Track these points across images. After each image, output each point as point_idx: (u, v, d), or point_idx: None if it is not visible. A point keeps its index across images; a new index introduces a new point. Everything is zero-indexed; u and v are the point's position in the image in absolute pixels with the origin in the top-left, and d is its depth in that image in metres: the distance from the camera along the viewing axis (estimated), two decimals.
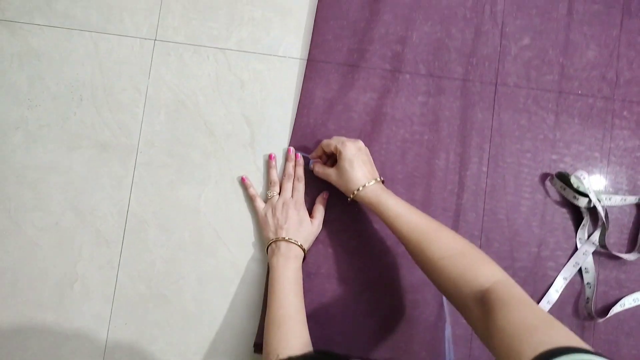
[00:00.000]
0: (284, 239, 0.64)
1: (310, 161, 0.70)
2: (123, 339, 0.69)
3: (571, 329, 0.68)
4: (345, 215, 0.71)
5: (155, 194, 0.71)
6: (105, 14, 0.74)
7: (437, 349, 0.70)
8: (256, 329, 0.69)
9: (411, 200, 0.71)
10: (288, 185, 0.69)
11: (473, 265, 0.52)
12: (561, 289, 0.70)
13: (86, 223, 0.71)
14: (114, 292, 0.70)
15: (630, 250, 0.72)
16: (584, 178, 0.69)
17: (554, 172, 0.72)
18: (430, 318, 0.70)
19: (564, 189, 0.71)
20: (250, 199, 0.70)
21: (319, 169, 0.67)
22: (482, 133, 0.73)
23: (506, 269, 0.69)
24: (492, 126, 0.74)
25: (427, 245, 0.55)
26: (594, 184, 0.72)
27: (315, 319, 0.68)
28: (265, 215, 0.67)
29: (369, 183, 0.62)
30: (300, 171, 0.70)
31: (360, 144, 0.65)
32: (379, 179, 0.63)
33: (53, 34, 0.73)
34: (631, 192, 0.72)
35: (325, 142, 0.66)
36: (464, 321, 0.68)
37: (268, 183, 0.70)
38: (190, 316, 0.70)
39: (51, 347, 0.69)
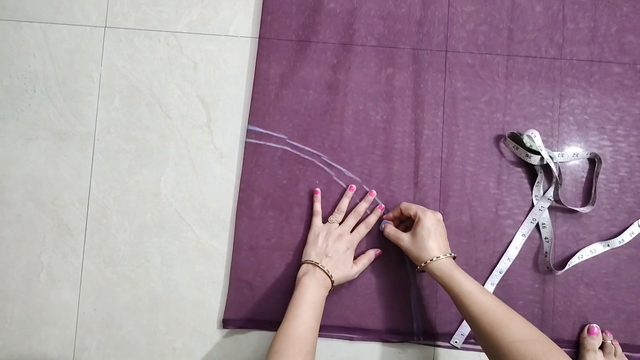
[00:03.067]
0: (322, 269, 0.64)
1: (383, 221, 0.71)
2: (93, 325, 0.70)
3: (533, 283, 0.71)
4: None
5: (115, 179, 0.72)
6: (54, 4, 0.74)
7: (405, 311, 0.71)
8: (223, 305, 0.70)
9: (370, 170, 0.73)
10: (352, 222, 0.70)
11: (547, 353, 0.52)
12: (520, 245, 0.72)
13: (48, 213, 0.71)
14: (81, 279, 0.71)
15: (584, 204, 0.74)
16: (535, 136, 0.71)
17: (506, 133, 0.73)
18: (396, 282, 0.72)
19: (517, 149, 0.73)
20: (313, 213, 0.71)
21: (391, 231, 0.68)
22: (435, 99, 0.74)
23: (466, 230, 0.72)
24: (444, 92, 0.75)
25: (500, 328, 0.55)
26: (547, 142, 0.74)
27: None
28: (318, 235, 0.68)
29: (443, 256, 0.62)
30: (372, 219, 0.70)
31: (440, 216, 0.66)
32: (451, 254, 0.63)
33: (2, 27, 0.73)
34: (583, 148, 0.74)
35: (405, 204, 0.67)
36: (430, 282, 0.71)
37: (337, 209, 0.70)
38: (158, 297, 0.71)
39: (21, 337, 0.70)
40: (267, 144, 0.73)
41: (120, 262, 0.71)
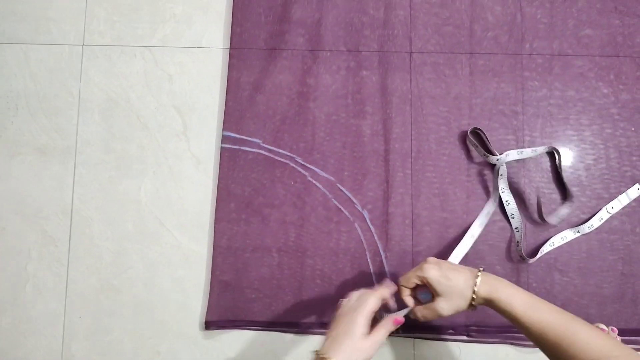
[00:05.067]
0: (317, 353, 0.51)
1: (404, 310, 0.60)
2: (79, 332, 0.72)
3: (507, 273, 0.73)
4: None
5: (97, 190, 0.74)
6: (33, 25, 0.77)
7: None
8: (205, 308, 0.72)
9: (341, 169, 0.75)
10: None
11: None
12: (477, 235, 0.73)
13: (32, 225, 0.74)
14: (66, 288, 0.73)
15: (563, 196, 0.76)
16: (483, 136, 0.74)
17: (469, 130, 0.76)
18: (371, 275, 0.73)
19: (477, 147, 0.76)
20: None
21: (421, 310, 0.57)
22: (403, 99, 0.77)
23: (439, 220, 0.74)
24: (411, 92, 0.78)
25: (566, 349, 0.49)
26: (514, 136, 0.77)
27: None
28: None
29: (477, 283, 0.54)
30: (401, 316, 0.58)
31: (433, 258, 0.58)
32: (479, 271, 0.56)
33: None
34: (548, 140, 0.77)
35: (402, 279, 0.59)
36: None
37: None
38: (142, 303, 0.73)
39: (9, 347, 0.71)
40: (242, 148, 0.75)
41: (104, 270, 0.73)
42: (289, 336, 0.72)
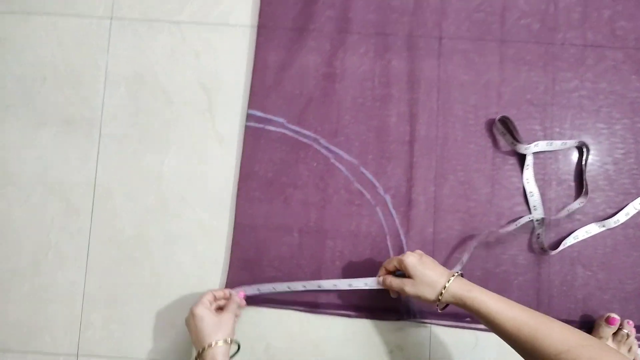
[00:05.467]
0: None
1: (377, 278, 0.67)
2: (98, 302, 0.73)
3: (529, 264, 0.72)
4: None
5: (120, 163, 0.75)
6: None
7: None
8: (224, 284, 0.73)
9: (365, 152, 0.75)
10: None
11: (598, 357, 0.48)
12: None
13: (56, 195, 0.74)
14: (87, 258, 0.73)
15: (578, 193, 0.74)
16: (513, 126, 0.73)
17: (497, 117, 0.75)
18: None
19: (504, 135, 0.75)
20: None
21: (390, 280, 0.63)
22: (430, 84, 0.76)
23: (462, 208, 0.73)
24: (439, 78, 0.77)
25: (541, 342, 0.51)
26: (542, 127, 0.75)
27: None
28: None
29: (449, 281, 0.58)
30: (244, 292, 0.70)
31: (419, 251, 0.64)
32: (457, 273, 0.60)
33: (13, 19, 0.77)
34: (578, 132, 0.75)
35: (385, 262, 0.66)
36: None
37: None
38: (161, 276, 0.73)
39: (29, 314, 0.72)
40: (267, 127, 0.75)
41: (124, 242, 0.74)
42: (305, 315, 0.72)
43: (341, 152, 0.75)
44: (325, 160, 0.75)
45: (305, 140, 0.75)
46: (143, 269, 0.73)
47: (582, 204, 0.73)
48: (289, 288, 0.70)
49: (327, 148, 0.75)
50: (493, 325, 0.55)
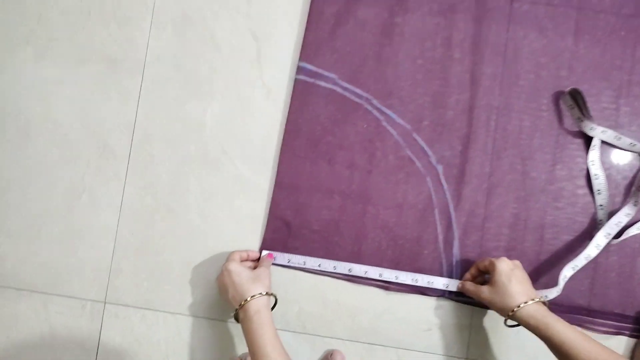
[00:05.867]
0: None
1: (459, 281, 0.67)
2: (129, 248, 0.70)
3: (584, 249, 0.67)
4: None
5: (162, 107, 0.71)
6: None
7: (444, 266, 0.69)
8: (259, 242, 0.69)
9: (420, 117, 0.70)
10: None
11: None
12: (602, 246, 0.65)
13: (94, 136, 0.71)
14: (121, 204, 0.71)
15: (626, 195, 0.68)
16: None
17: (567, 89, 0.69)
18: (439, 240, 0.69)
19: (572, 109, 0.69)
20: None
21: (470, 286, 0.64)
22: (496, 50, 0.71)
23: (518, 185, 0.68)
24: (506, 43, 0.71)
25: None
26: (609, 109, 0.69)
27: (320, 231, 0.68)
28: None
29: (531, 301, 0.56)
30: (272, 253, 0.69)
31: (518, 262, 0.62)
32: (541, 298, 0.58)
33: None
34: None
35: (479, 261, 0.64)
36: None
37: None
38: (196, 229, 0.70)
39: (59, 255, 0.70)
40: (317, 82, 0.71)
41: (160, 190, 0.71)
42: (341, 283, 0.69)
43: (394, 115, 0.70)
44: (376, 122, 0.70)
45: (356, 99, 0.71)
46: (178, 220, 0.70)
47: (633, 211, 0.66)
48: (319, 266, 0.67)
49: (379, 109, 0.70)
50: (566, 355, 0.53)
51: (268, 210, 0.70)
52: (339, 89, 0.71)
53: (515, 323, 0.59)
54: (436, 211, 0.69)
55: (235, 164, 0.71)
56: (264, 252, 0.68)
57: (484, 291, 0.61)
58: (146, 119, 0.71)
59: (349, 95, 0.71)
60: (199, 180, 0.70)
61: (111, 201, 0.71)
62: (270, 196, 0.70)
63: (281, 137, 0.70)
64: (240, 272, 0.60)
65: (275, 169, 0.70)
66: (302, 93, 0.71)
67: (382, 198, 0.69)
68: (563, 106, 0.70)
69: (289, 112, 0.70)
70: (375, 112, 0.70)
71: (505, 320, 0.60)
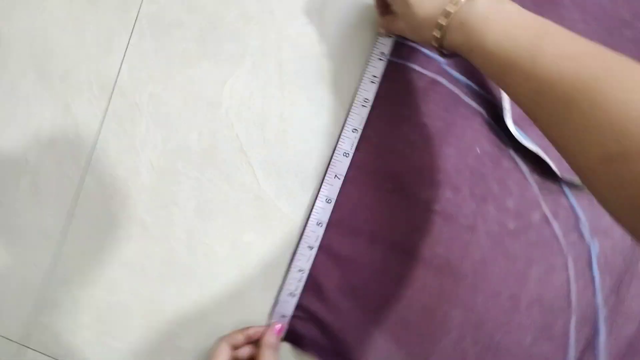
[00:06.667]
0: None
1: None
2: (74, 273, 0.46)
3: None
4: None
5: (160, 67, 0.45)
6: None
7: None
8: (273, 308, 0.43)
9: None
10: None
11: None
12: None
13: (54, 93, 0.46)
14: (77, 202, 0.46)
15: None
16: None
17: None
18: None
19: None
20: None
21: (388, 25, 0.40)
22: None
23: None
24: None
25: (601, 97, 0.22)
26: None
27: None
28: None
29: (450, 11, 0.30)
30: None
31: None
32: None
33: None
34: None
35: None
36: None
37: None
38: (177, 266, 0.45)
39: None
40: (410, 65, 0.42)
41: (136, 192, 0.45)
42: None
43: (523, 137, 0.42)
44: (499, 149, 0.42)
45: (471, 102, 0.42)
46: (152, 245, 0.45)
47: None
48: (301, 271, 0.42)
49: (505, 129, 0.42)
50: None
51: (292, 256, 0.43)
52: (445, 81, 0.42)
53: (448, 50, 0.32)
54: (573, 319, 0.41)
55: (256, 174, 0.44)
56: (272, 321, 0.42)
57: (401, 26, 0.36)
58: (132, 79, 0.46)
59: (459, 94, 0.42)
60: (196, 189, 0.45)
61: (60, 195, 0.46)
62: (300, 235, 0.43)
63: (333, 144, 0.43)
64: None
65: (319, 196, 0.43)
66: (393, 81, 0.43)
67: (488, 276, 0.41)
68: None
69: (372, 107, 0.43)
70: (499, 130, 0.42)
71: (437, 49, 0.32)
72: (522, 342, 0.41)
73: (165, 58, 0.45)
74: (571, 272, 0.41)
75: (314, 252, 0.42)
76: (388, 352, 0.42)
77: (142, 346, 0.45)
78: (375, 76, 0.42)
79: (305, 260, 0.42)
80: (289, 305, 0.42)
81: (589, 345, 0.40)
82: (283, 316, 0.43)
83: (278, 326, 0.42)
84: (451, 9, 0.29)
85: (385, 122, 0.42)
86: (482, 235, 0.41)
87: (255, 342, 0.42)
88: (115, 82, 0.46)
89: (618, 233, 0.40)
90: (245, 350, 0.41)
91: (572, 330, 0.40)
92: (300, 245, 0.42)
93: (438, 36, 0.31)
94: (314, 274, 0.42)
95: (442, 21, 0.30)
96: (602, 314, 0.40)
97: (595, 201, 0.24)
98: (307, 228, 0.42)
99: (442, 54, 0.32)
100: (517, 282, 0.41)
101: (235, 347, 0.40)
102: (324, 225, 0.42)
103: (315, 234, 0.42)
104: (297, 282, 0.42)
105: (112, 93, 0.46)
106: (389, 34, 0.42)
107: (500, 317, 0.41)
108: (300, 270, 0.42)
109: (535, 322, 0.41)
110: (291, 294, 0.42)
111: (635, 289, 0.40)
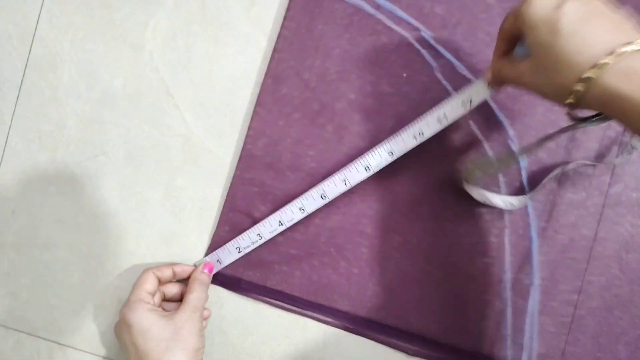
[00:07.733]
0: None
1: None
2: (8, 234, 0.44)
3: None
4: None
5: (79, 13, 0.44)
6: None
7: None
8: (205, 247, 0.42)
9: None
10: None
11: None
12: None
13: None
14: (2, 157, 0.44)
15: None
16: None
17: None
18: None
19: None
20: None
21: (501, 68, 0.32)
22: None
23: None
24: None
25: None
26: None
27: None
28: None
29: (626, 47, 0.24)
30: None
31: None
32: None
33: None
34: None
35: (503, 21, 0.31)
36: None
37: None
38: (109, 214, 0.43)
39: None
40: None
41: (62, 145, 0.44)
42: (333, 333, 0.41)
43: (456, 62, 0.41)
44: (428, 71, 0.41)
45: (395, 27, 0.41)
46: (80, 196, 0.44)
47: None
48: (259, 237, 0.40)
49: (432, 48, 0.41)
50: None
51: (224, 198, 0.42)
52: (368, 7, 0.41)
53: (593, 114, 0.28)
54: (507, 232, 0.40)
55: (183, 115, 0.43)
56: (204, 259, 0.41)
57: (522, 70, 0.29)
58: (53, 27, 0.44)
59: (383, 19, 0.41)
60: (123, 136, 0.43)
61: None
62: (231, 176, 0.42)
63: (260, 80, 0.42)
64: (146, 329, 0.35)
65: (245, 133, 0.42)
66: (304, 10, 0.42)
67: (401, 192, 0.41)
68: None
69: (278, 38, 0.42)
70: (424, 52, 0.41)
71: (570, 113, 0.28)
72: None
73: (85, 3, 0.44)
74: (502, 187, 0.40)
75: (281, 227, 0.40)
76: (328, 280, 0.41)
77: (82, 302, 0.44)
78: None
79: (268, 232, 0.40)
80: (231, 257, 0.41)
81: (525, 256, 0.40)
82: (218, 261, 0.41)
83: (209, 264, 0.40)
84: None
85: (298, 47, 0.41)
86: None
87: (184, 282, 0.40)
88: (35, 31, 0.44)
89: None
90: (173, 289, 0.40)
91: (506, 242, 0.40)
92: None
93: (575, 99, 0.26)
94: (247, 204, 0.41)
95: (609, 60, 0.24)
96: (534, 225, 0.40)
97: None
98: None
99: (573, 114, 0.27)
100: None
101: (162, 281, 0.39)
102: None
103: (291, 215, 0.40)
104: (251, 243, 0.40)
105: (32, 42, 0.44)
106: (497, 87, 0.34)
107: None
108: (258, 235, 0.40)
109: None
110: (238, 249, 0.41)
111: (566, 199, 0.40)
